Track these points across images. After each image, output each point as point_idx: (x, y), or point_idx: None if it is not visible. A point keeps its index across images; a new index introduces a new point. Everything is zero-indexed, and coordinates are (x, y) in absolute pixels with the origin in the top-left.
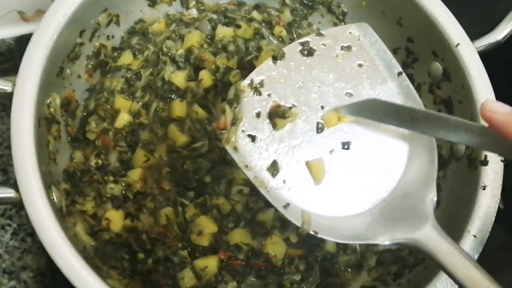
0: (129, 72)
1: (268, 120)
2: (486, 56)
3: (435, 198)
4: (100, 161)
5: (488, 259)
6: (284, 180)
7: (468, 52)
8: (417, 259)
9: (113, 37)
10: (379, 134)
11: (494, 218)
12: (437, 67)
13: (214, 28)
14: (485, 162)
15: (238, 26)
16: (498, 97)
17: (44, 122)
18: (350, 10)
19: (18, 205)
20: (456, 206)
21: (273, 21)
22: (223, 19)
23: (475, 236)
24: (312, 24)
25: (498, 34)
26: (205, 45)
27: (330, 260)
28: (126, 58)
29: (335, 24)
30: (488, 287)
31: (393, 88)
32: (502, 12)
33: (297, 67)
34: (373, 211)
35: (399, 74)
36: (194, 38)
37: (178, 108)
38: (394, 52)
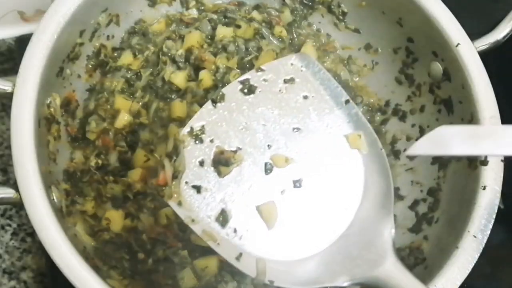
0: (129, 72)
1: (212, 168)
2: (486, 56)
3: (393, 230)
4: (100, 161)
5: (488, 259)
6: (235, 229)
7: (468, 52)
8: (417, 259)
9: (113, 37)
10: (333, 167)
11: (494, 218)
12: (437, 67)
13: (214, 28)
14: (485, 162)
15: (238, 26)
16: (498, 97)
17: (44, 122)
18: (350, 10)
19: (18, 205)
20: (456, 206)
21: (273, 21)
22: (223, 19)
23: (475, 236)
24: (312, 24)
25: (498, 34)
26: (205, 45)
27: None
28: (126, 58)
29: (335, 24)
30: None
31: (342, 117)
32: (502, 12)
33: (239, 107)
34: (331, 249)
35: (347, 102)
36: (194, 38)
37: (178, 108)
38: (394, 52)
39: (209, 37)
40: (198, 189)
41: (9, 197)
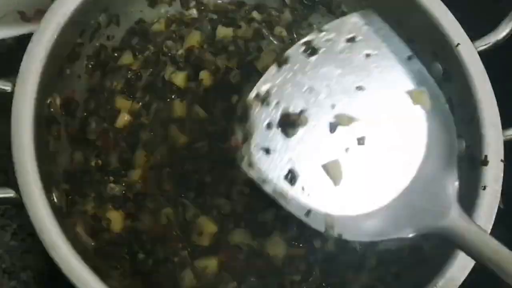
0: (129, 72)
1: (279, 129)
2: (486, 56)
3: (457, 183)
4: (100, 161)
5: None
6: (303, 187)
7: (468, 52)
8: (417, 259)
9: (113, 37)
10: (396, 123)
11: (494, 218)
12: (437, 67)
13: (214, 28)
14: (485, 162)
15: (238, 26)
16: (498, 97)
17: (44, 122)
18: (350, 10)
19: (18, 205)
20: None
21: (273, 21)
22: (223, 19)
23: None
24: (312, 24)
25: (498, 34)
26: (205, 45)
27: (330, 260)
28: (126, 58)
29: None
30: None
31: (405, 73)
32: (502, 12)
33: (302, 69)
34: (396, 203)
35: (410, 57)
36: (194, 38)
37: (179, 108)
38: None
39: (209, 37)
40: (267, 150)
41: (9, 197)
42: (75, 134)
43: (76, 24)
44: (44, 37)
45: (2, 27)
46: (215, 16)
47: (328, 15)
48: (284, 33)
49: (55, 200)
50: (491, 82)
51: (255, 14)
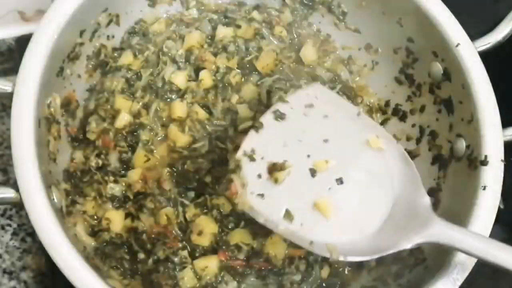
0: (129, 72)
1: (268, 178)
2: (486, 56)
3: (428, 199)
4: (100, 161)
5: None
6: (301, 223)
7: (468, 52)
8: (417, 259)
9: (113, 37)
10: (364, 163)
11: (494, 218)
12: (437, 67)
13: (214, 28)
14: (485, 162)
15: (238, 26)
16: (498, 97)
17: (44, 122)
18: (350, 10)
19: (18, 205)
20: (456, 206)
21: (273, 21)
22: (223, 19)
23: None
24: (312, 24)
25: (498, 34)
26: (205, 45)
27: (330, 260)
28: (127, 58)
29: (335, 24)
30: (504, 256)
31: (358, 125)
32: (502, 12)
33: (276, 131)
34: (384, 227)
35: (358, 114)
36: (194, 38)
37: (179, 108)
38: (394, 52)
39: (209, 37)
40: (262, 196)
41: (9, 197)
42: (75, 134)
43: (76, 24)
44: (44, 37)
45: (2, 27)
46: (215, 16)
47: (328, 15)
48: (284, 33)
49: (55, 200)
50: (491, 82)
51: (255, 14)
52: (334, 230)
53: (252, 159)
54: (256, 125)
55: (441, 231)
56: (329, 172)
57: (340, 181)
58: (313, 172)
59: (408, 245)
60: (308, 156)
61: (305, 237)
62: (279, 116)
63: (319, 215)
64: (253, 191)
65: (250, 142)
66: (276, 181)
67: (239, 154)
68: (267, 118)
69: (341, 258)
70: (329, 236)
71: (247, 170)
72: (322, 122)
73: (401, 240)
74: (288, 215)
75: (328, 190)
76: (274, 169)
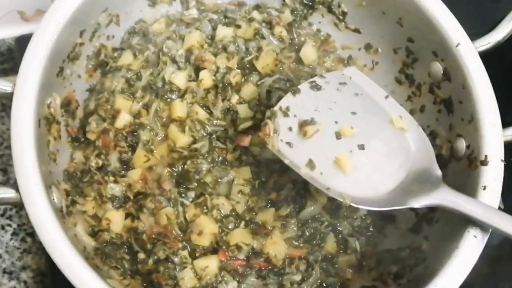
0: (129, 72)
1: (298, 132)
2: (486, 56)
3: (439, 172)
4: (100, 161)
5: (488, 259)
6: (321, 173)
7: (468, 52)
8: (417, 259)
9: (113, 37)
10: (385, 138)
11: None
12: (437, 67)
13: (214, 28)
14: (485, 162)
15: (238, 26)
16: (498, 97)
17: (44, 122)
18: (350, 10)
19: (18, 205)
20: None
21: (273, 21)
22: (223, 19)
23: (475, 236)
24: (312, 24)
25: (498, 34)
26: (205, 45)
27: (330, 260)
28: (127, 58)
29: (335, 24)
30: (501, 219)
31: (385, 106)
32: (502, 12)
33: (310, 97)
34: (397, 189)
35: (386, 97)
36: (194, 38)
37: (179, 108)
38: (394, 52)
39: (209, 37)
40: (290, 144)
41: (9, 197)
42: (75, 134)
43: (76, 24)
44: (44, 37)
45: (2, 27)
46: (215, 16)
47: (328, 15)
48: (284, 33)
49: (55, 200)
50: (491, 82)
51: (255, 14)
52: (350, 185)
53: (286, 114)
54: (293, 90)
55: (447, 196)
56: (353, 138)
57: (361, 147)
58: (338, 135)
59: (416, 204)
60: (336, 122)
61: (323, 183)
62: (315, 87)
63: (338, 170)
64: (283, 139)
65: (286, 101)
66: (304, 135)
67: (276, 108)
68: (304, 86)
69: (353, 205)
70: (345, 188)
71: (280, 120)
72: (352, 98)
73: (410, 199)
74: (310, 164)
75: (350, 152)
76: (304, 124)
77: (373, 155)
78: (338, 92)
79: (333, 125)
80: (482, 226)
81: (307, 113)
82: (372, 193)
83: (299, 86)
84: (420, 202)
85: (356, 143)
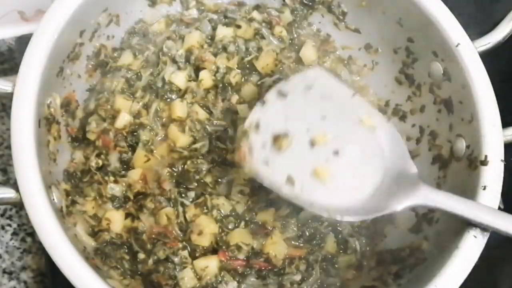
0: (129, 72)
1: (272, 147)
2: (486, 56)
3: (415, 170)
4: (100, 161)
5: (488, 259)
6: (301, 188)
7: (468, 52)
8: (417, 259)
9: (113, 37)
10: (357, 139)
11: None
12: (437, 67)
13: (214, 28)
14: (485, 162)
15: (238, 26)
16: (498, 97)
17: (44, 122)
18: (350, 10)
19: (18, 205)
20: None
21: (273, 21)
22: (223, 19)
23: (475, 236)
24: (312, 24)
25: (498, 34)
26: (205, 46)
27: (330, 260)
28: (127, 58)
29: (335, 24)
30: (483, 213)
31: (353, 105)
32: (502, 12)
33: (278, 107)
34: (377, 193)
35: (354, 95)
36: (194, 38)
37: (179, 108)
38: (394, 52)
39: (209, 37)
40: (266, 163)
41: (9, 197)
42: (75, 134)
43: (76, 24)
44: (44, 37)
45: (2, 27)
46: (215, 16)
47: (328, 15)
48: (284, 33)
49: (55, 200)
50: (491, 82)
51: (255, 14)
52: (331, 195)
53: (257, 129)
54: (262, 101)
55: (427, 195)
56: (326, 145)
57: (336, 153)
58: (312, 144)
59: (399, 207)
60: (308, 130)
61: (306, 200)
62: (281, 94)
63: (317, 181)
64: (258, 157)
65: (255, 114)
66: (279, 148)
67: (246, 124)
68: (270, 95)
69: (338, 218)
70: (327, 199)
71: (253, 138)
72: (319, 102)
73: (392, 203)
74: (290, 180)
75: (326, 160)
76: (277, 138)
77: (348, 160)
78: (305, 97)
79: (305, 133)
80: (482, 226)
81: (278, 125)
82: (353, 201)
83: (266, 96)
84: (402, 204)
85: (331, 150)
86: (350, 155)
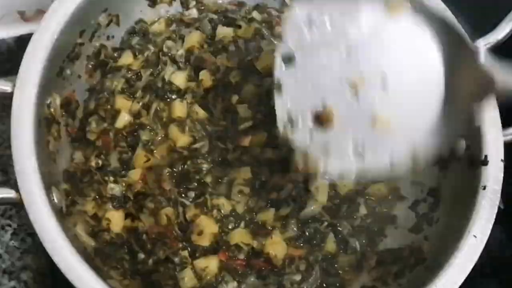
0: (129, 72)
1: (317, 128)
2: None
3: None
4: (100, 162)
5: (488, 259)
6: (371, 154)
7: None
8: (417, 259)
9: (113, 37)
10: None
11: (494, 218)
12: None
13: (214, 29)
14: (485, 162)
15: (239, 26)
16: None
17: (44, 122)
18: None
19: (18, 205)
20: (456, 206)
21: (274, 21)
22: (223, 19)
23: (475, 236)
24: None
25: (498, 34)
26: (206, 46)
27: (330, 260)
28: (126, 58)
29: None
30: None
31: (363, 11)
32: (502, 12)
33: (294, 81)
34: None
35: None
36: (194, 38)
37: (179, 108)
38: None
39: (209, 37)
40: (325, 149)
41: (9, 197)
42: (75, 134)
43: (76, 24)
44: (44, 37)
45: (2, 27)
46: (215, 16)
47: None
48: None
49: (55, 200)
50: None
51: (255, 14)
52: (402, 139)
53: (293, 124)
54: (275, 86)
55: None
56: (368, 84)
57: (383, 86)
58: (353, 92)
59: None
60: (340, 79)
61: (381, 161)
62: (287, 61)
63: (382, 131)
64: (316, 153)
65: (280, 105)
66: (327, 127)
67: (279, 124)
68: (279, 74)
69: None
70: (399, 146)
71: (297, 142)
72: (329, 38)
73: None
74: (356, 152)
75: (378, 101)
76: (318, 119)
77: (400, 86)
78: (311, 46)
79: (342, 87)
80: (481, 226)
81: (309, 100)
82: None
83: (275, 76)
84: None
85: (378, 86)
86: (399, 82)
